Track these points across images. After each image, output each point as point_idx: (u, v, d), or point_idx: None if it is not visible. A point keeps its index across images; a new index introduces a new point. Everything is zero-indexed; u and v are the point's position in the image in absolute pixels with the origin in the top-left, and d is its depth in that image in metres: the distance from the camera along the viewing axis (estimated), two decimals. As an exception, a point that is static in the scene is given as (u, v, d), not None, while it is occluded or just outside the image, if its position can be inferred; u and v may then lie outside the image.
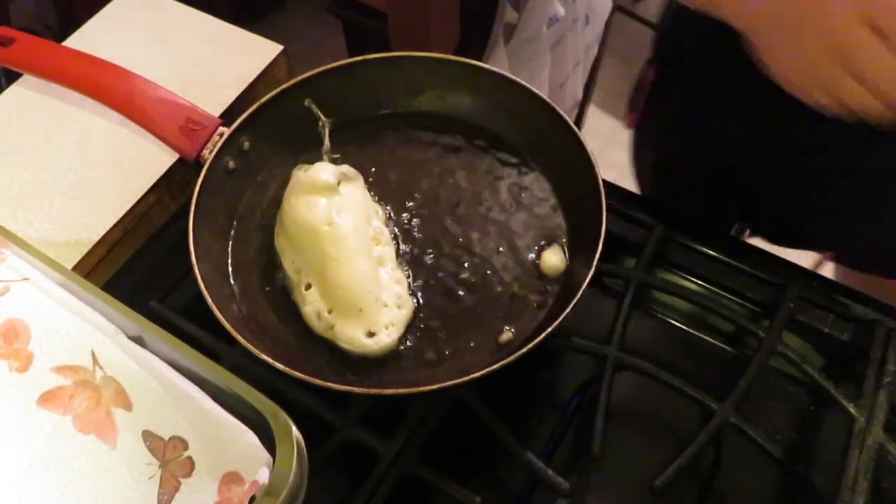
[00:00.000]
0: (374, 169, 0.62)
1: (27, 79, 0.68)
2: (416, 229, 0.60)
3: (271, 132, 0.62)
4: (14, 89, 0.68)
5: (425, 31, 1.06)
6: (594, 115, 1.85)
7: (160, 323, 0.45)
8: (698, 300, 0.59)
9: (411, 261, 0.58)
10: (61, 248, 0.59)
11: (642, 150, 0.89)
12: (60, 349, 0.44)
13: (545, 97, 0.60)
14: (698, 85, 0.73)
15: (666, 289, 0.60)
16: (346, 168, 0.59)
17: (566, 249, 0.58)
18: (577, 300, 0.50)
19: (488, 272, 0.57)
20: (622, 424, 0.57)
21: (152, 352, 0.43)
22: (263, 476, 0.38)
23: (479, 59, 0.75)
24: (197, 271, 0.52)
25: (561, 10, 1.27)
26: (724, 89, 0.69)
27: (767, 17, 0.51)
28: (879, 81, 0.46)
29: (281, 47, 0.71)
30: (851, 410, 0.53)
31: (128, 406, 0.43)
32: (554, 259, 0.57)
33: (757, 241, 0.74)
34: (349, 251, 0.54)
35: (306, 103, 0.59)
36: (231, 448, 0.40)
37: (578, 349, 0.56)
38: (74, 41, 0.71)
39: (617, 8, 1.49)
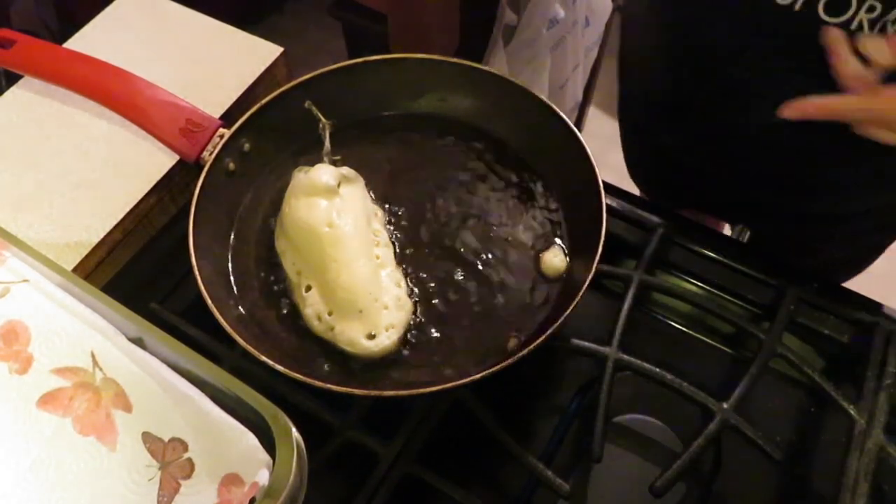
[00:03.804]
0: (374, 171, 0.62)
1: (27, 80, 0.68)
2: (415, 231, 0.60)
3: (271, 134, 0.62)
4: (14, 91, 0.68)
5: (425, 33, 1.06)
6: (594, 116, 1.85)
7: (160, 324, 0.45)
8: (698, 302, 0.59)
9: (411, 263, 0.58)
10: (61, 249, 0.59)
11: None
12: (60, 351, 0.44)
13: (545, 99, 0.60)
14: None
15: (666, 290, 0.60)
16: (346, 170, 0.59)
17: (566, 250, 0.58)
18: (578, 302, 0.50)
19: (488, 274, 0.57)
20: (622, 426, 0.57)
21: (152, 353, 0.43)
22: (263, 478, 0.38)
23: (479, 61, 0.75)
24: (197, 273, 0.52)
25: (561, 12, 1.27)
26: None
27: None
28: None
29: (281, 49, 0.71)
30: (852, 412, 0.53)
31: (127, 408, 0.43)
32: (554, 260, 0.57)
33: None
34: (349, 253, 0.54)
35: (306, 105, 0.59)
36: (231, 450, 0.40)
37: (579, 351, 0.56)
38: (75, 43, 0.71)
39: (617, 9, 1.49)
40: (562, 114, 0.59)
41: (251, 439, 0.40)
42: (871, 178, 0.70)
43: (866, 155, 0.64)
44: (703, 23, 0.64)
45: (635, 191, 0.91)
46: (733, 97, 0.66)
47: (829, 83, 0.56)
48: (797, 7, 0.55)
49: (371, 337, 0.53)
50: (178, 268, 0.60)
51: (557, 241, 0.59)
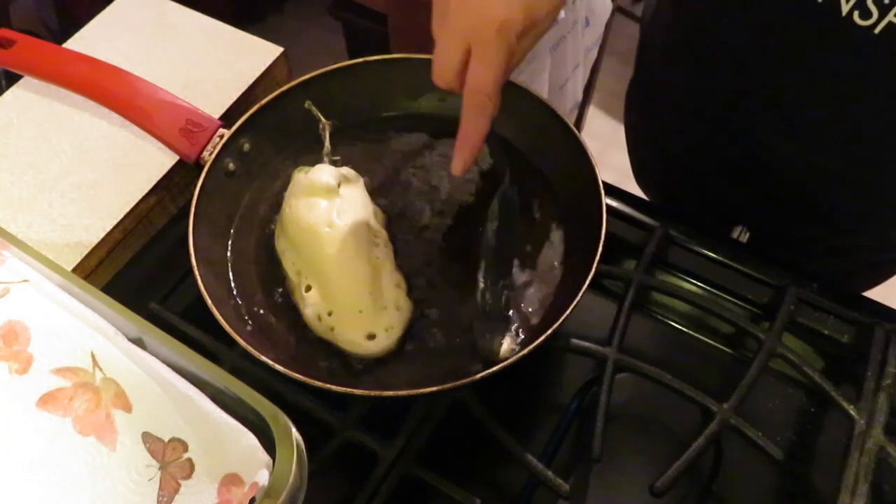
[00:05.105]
0: (374, 171, 0.62)
1: (27, 81, 0.68)
2: (415, 231, 0.60)
3: (271, 134, 0.62)
4: (14, 91, 0.68)
5: (425, 33, 1.06)
6: (594, 116, 1.86)
7: (160, 325, 0.45)
8: (698, 302, 0.59)
9: (411, 263, 0.58)
10: (61, 249, 0.59)
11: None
12: (60, 351, 0.44)
13: (545, 99, 0.60)
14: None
15: (666, 290, 0.60)
16: (346, 170, 0.59)
17: (567, 250, 0.58)
18: (577, 302, 0.50)
19: (488, 274, 0.57)
20: (622, 426, 0.57)
21: (152, 353, 0.43)
22: (263, 478, 0.38)
23: (479, 61, 0.75)
24: (197, 273, 0.52)
25: (560, 13, 1.27)
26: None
27: None
28: None
29: (281, 49, 0.71)
30: (851, 412, 0.53)
31: (127, 408, 0.43)
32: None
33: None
34: (349, 253, 0.54)
35: (306, 105, 0.59)
36: (231, 450, 0.40)
37: (578, 351, 0.56)
38: (75, 43, 0.71)
39: (617, 9, 1.49)
40: (561, 114, 0.59)
41: (251, 439, 0.40)
42: None
43: None
44: (753, 30, 0.60)
45: (635, 191, 0.91)
46: (762, 109, 0.64)
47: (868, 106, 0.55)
48: (878, 30, 0.52)
49: (371, 337, 0.53)
50: (177, 268, 0.60)
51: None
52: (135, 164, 0.63)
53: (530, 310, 0.56)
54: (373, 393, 0.49)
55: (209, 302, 0.51)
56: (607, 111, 1.90)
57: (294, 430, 0.39)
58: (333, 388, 0.48)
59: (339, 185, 0.56)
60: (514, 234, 0.56)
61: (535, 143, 0.62)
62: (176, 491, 0.41)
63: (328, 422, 0.53)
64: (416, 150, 0.64)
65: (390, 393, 0.49)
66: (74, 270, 0.58)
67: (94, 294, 0.45)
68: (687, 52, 0.70)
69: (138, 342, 0.44)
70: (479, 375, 0.48)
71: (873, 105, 0.58)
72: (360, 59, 0.62)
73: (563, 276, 0.57)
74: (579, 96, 1.57)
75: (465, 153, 0.52)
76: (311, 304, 0.55)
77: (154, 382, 0.42)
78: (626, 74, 0.90)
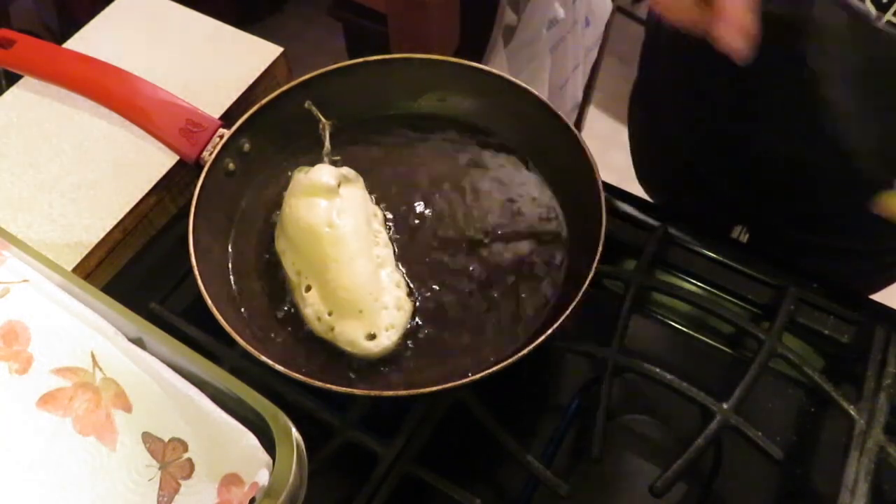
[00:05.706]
0: (374, 171, 0.62)
1: (27, 81, 0.68)
2: (416, 231, 0.60)
3: (271, 134, 0.62)
4: (14, 91, 0.68)
5: (425, 32, 1.06)
6: (594, 117, 1.86)
7: (160, 325, 0.45)
8: (698, 302, 0.59)
9: (411, 263, 0.58)
10: (61, 249, 0.59)
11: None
12: (60, 351, 0.44)
13: (545, 99, 0.60)
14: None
15: (666, 291, 0.60)
16: (346, 170, 0.59)
17: (567, 250, 0.58)
18: (578, 302, 0.50)
19: (487, 274, 0.57)
20: (622, 426, 0.57)
21: (152, 353, 0.43)
22: (263, 478, 0.38)
23: (479, 61, 0.75)
24: (197, 273, 0.52)
25: (561, 13, 1.28)
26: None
27: None
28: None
29: (281, 49, 0.71)
30: (851, 412, 0.53)
31: (127, 408, 0.43)
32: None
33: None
34: (349, 253, 0.54)
35: (306, 105, 0.59)
36: (231, 450, 0.40)
37: (578, 351, 0.56)
38: (75, 43, 0.71)
39: (617, 9, 1.49)
40: (562, 114, 0.59)
41: (251, 439, 0.40)
42: None
43: None
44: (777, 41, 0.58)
45: (635, 190, 0.91)
46: (764, 109, 0.64)
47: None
48: (881, 24, 0.51)
49: (371, 337, 0.53)
50: (177, 268, 0.60)
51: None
52: (135, 164, 0.63)
53: (532, 308, 0.56)
54: (373, 393, 0.49)
55: (209, 302, 0.51)
56: (607, 111, 1.90)
57: (294, 430, 0.39)
58: (333, 388, 0.48)
59: (339, 185, 0.56)
60: None
61: (534, 144, 0.62)
62: (176, 491, 0.41)
63: (328, 422, 0.53)
64: (415, 150, 0.64)
65: (390, 393, 0.49)
66: (74, 270, 0.58)
67: (94, 294, 0.45)
68: (691, 52, 0.69)
69: (138, 342, 0.44)
70: (479, 375, 0.48)
71: (875, 105, 0.58)
72: (360, 59, 0.62)
73: (563, 276, 0.57)
74: (579, 96, 1.57)
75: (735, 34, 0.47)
76: (311, 304, 0.55)
77: (154, 382, 0.42)
78: (625, 74, 0.90)
